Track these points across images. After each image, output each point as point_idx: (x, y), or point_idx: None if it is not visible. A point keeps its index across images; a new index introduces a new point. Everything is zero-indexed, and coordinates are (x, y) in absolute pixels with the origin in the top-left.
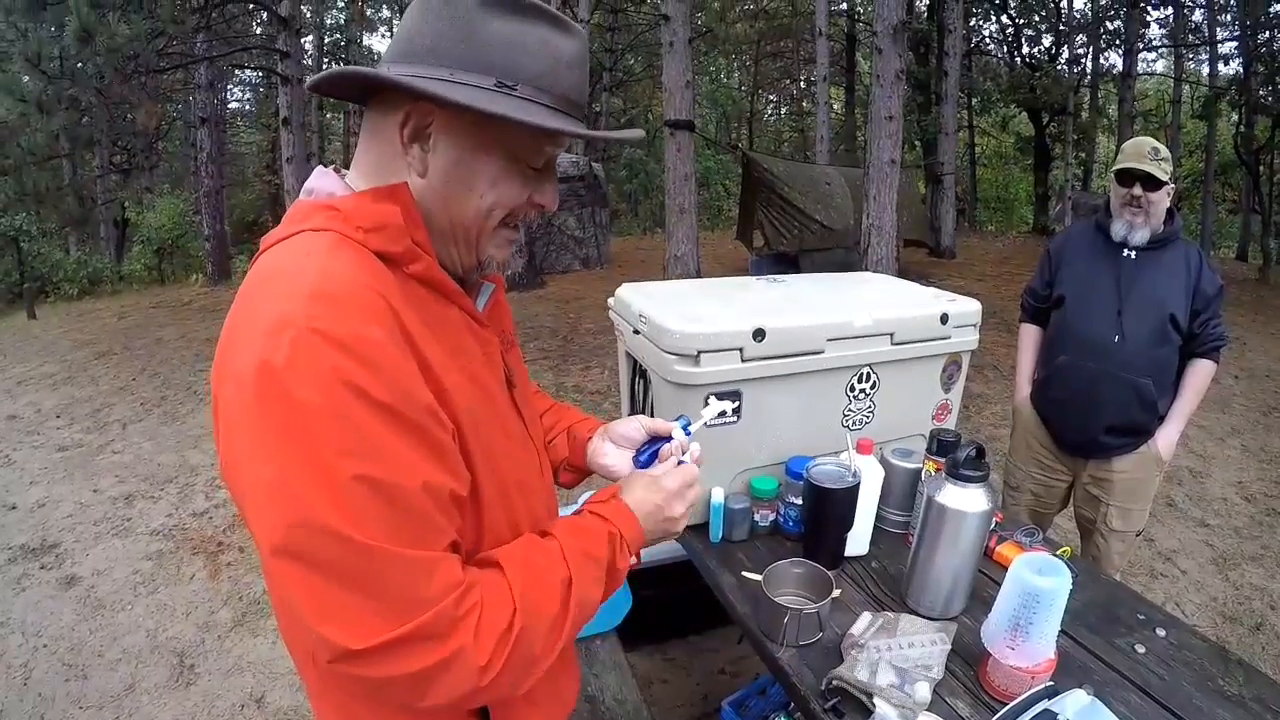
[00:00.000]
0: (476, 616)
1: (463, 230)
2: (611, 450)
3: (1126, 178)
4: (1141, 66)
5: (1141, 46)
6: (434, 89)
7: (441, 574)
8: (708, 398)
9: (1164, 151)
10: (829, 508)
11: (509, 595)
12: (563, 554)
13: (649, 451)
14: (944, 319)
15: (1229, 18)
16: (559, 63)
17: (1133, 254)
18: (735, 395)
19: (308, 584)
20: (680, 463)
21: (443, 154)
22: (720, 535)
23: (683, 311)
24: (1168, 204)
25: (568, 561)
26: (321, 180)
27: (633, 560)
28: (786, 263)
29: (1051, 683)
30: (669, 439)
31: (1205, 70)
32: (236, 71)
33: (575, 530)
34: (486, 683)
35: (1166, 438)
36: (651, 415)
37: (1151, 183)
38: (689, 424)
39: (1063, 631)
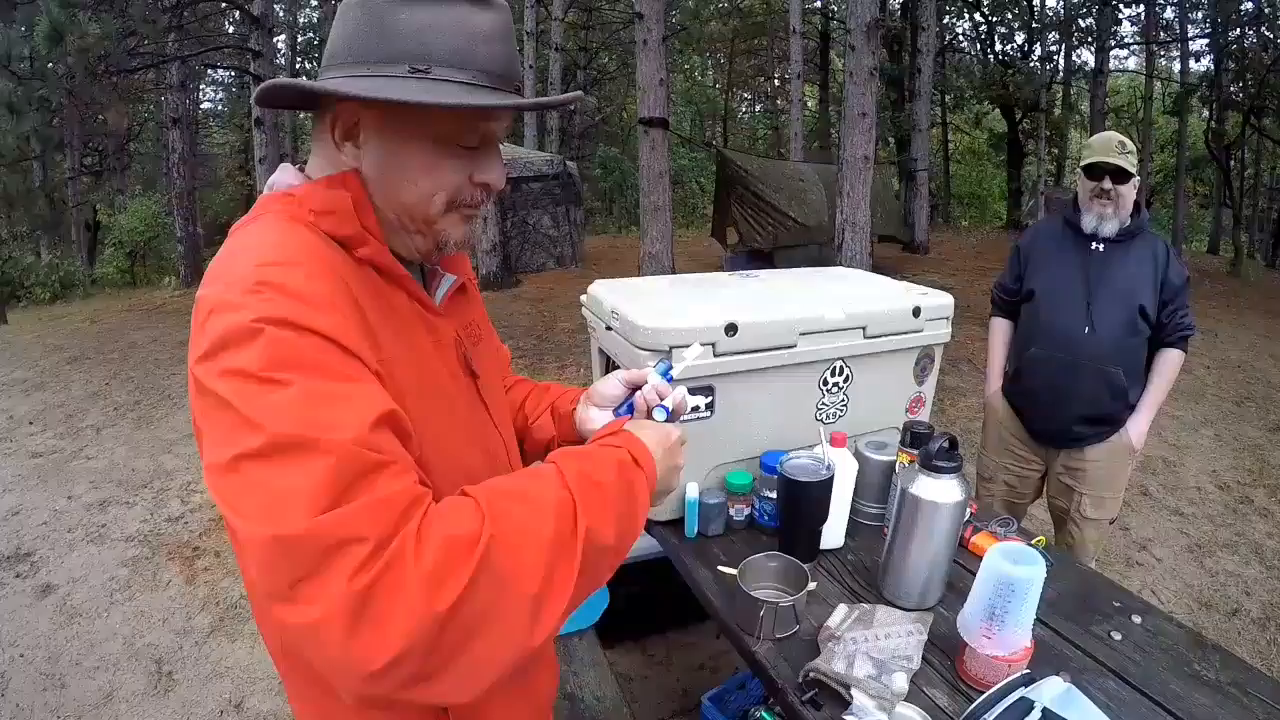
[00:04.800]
0: (417, 519)
1: (410, 219)
2: (596, 414)
3: (1096, 171)
4: (1113, 63)
5: (1113, 44)
6: (337, 86)
7: (389, 474)
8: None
9: (1130, 145)
10: (804, 501)
11: (474, 508)
12: (561, 477)
13: (627, 404)
14: (916, 312)
15: (1200, 15)
16: (475, 39)
17: (1101, 247)
18: (708, 390)
19: (253, 485)
20: (664, 412)
21: (373, 149)
22: (695, 530)
23: (654, 307)
24: (1134, 196)
25: (568, 485)
26: (282, 174)
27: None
28: (761, 259)
29: (1028, 670)
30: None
31: (1176, 67)
32: (209, 71)
33: (576, 456)
34: (446, 605)
35: (1138, 426)
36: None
37: (1120, 175)
38: (669, 369)
39: (1039, 620)
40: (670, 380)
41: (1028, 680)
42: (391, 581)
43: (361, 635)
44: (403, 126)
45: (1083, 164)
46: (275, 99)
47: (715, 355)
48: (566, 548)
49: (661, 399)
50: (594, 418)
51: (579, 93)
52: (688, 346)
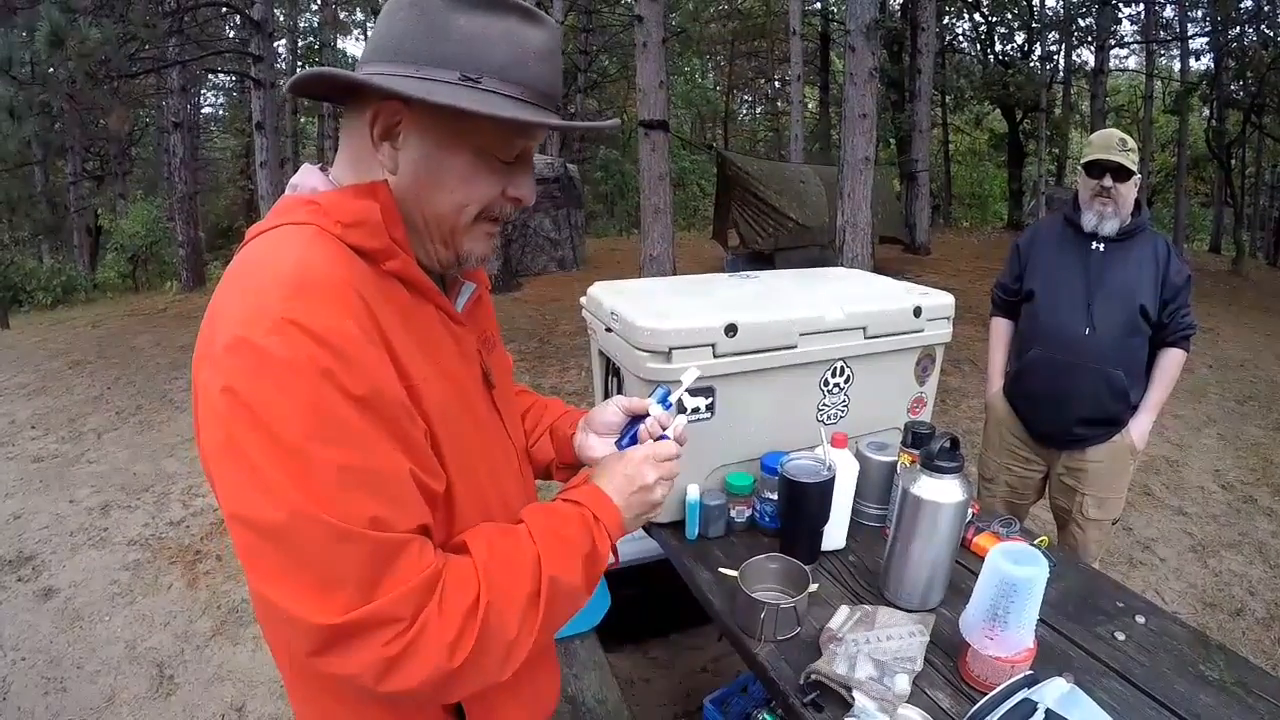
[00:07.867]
0: (439, 594)
1: (437, 227)
2: (596, 442)
3: (1096, 169)
4: (1113, 63)
5: (1113, 43)
6: (389, 84)
7: (411, 555)
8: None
9: (1131, 143)
10: (805, 502)
11: (473, 573)
12: (530, 535)
13: (630, 434)
14: (917, 312)
15: (1200, 13)
16: (526, 53)
17: (1101, 246)
18: (709, 391)
19: (279, 566)
20: (662, 438)
21: (412, 151)
22: (696, 532)
23: (654, 308)
24: (1135, 195)
25: (535, 541)
26: (306, 176)
27: (610, 560)
28: (762, 261)
29: (1031, 672)
30: (647, 416)
31: (1176, 66)
32: (209, 76)
33: (544, 512)
34: (459, 663)
35: (1139, 426)
36: None
37: (1121, 173)
38: (667, 395)
39: (1042, 621)
40: (669, 407)
41: (1030, 681)
42: (421, 649)
43: (388, 683)
44: (447, 133)
45: (1083, 161)
46: (312, 88)
47: (715, 356)
48: (536, 601)
49: (664, 428)
50: (594, 446)
51: (615, 120)
52: (685, 369)
